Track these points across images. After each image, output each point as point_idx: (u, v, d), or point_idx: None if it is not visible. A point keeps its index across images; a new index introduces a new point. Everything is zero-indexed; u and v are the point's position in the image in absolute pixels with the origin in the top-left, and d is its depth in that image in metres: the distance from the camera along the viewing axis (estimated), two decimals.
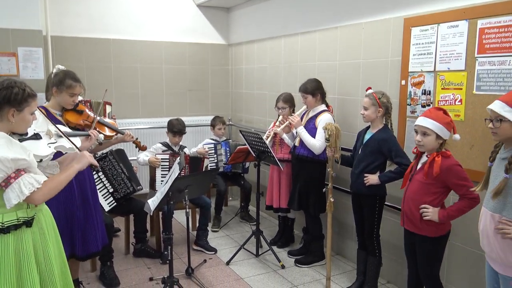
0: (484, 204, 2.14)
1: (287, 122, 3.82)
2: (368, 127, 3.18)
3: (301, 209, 3.80)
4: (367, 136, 3.12)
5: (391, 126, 3.10)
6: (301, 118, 3.76)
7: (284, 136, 3.91)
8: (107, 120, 3.25)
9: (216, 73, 5.80)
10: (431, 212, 2.48)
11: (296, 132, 3.72)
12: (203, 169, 4.25)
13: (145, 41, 5.24)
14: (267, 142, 3.72)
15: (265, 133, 4.09)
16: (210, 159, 4.69)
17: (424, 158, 2.58)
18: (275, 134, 3.96)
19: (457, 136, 2.50)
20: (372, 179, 3.01)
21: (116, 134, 3.21)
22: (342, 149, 3.59)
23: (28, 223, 2.01)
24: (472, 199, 2.41)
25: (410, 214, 2.59)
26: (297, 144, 3.74)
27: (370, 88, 3.16)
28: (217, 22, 5.73)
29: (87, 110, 3.02)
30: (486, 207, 2.11)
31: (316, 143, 3.52)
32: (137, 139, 3.44)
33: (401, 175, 2.91)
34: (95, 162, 2.28)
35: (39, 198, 1.95)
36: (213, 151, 4.70)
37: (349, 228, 3.84)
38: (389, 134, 3.03)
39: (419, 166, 2.59)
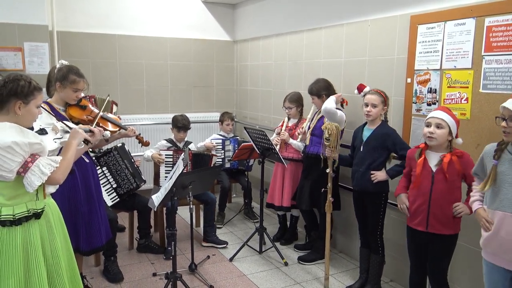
0: (505, 209, 2.07)
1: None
2: (363, 125, 3.18)
3: (312, 208, 3.78)
4: (367, 133, 3.12)
5: (387, 122, 3.13)
6: (312, 118, 3.77)
7: (291, 141, 3.91)
8: (110, 115, 3.26)
9: (221, 69, 5.80)
10: (462, 207, 2.50)
11: (308, 128, 3.71)
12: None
13: (150, 37, 5.25)
14: (277, 148, 3.71)
15: (269, 130, 4.08)
16: (217, 154, 4.69)
17: (434, 159, 2.55)
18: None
19: (459, 140, 2.54)
20: (380, 175, 3.01)
21: (119, 130, 3.22)
22: (345, 145, 3.58)
23: (38, 215, 2.04)
24: None
25: (441, 214, 2.55)
26: (307, 143, 3.72)
27: (363, 85, 3.18)
28: (222, 19, 5.72)
29: (90, 106, 3.02)
30: (510, 211, 2.05)
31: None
32: (139, 134, 3.44)
33: None
34: (88, 137, 2.34)
35: (59, 177, 2.02)
36: (220, 147, 4.71)
37: (353, 226, 3.83)
38: (390, 129, 3.06)
39: (434, 168, 2.55)
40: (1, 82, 1.98)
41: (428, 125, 2.54)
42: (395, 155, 3.08)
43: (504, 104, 2.05)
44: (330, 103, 3.36)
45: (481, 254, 2.31)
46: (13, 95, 1.96)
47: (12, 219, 1.94)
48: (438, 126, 2.49)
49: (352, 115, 3.70)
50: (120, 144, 3.83)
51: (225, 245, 4.08)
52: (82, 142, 2.35)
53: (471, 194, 2.40)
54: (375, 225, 3.13)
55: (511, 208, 2.06)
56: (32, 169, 1.91)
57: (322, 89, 3.61)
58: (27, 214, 1.99)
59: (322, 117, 3.63)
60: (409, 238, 2.78)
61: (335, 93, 3.64)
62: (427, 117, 2.58)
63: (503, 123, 2.05)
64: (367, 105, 3.06)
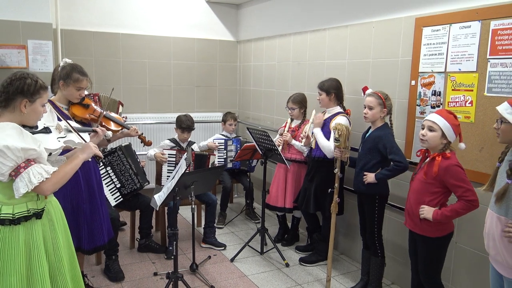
0: (490, 207, 2.13)
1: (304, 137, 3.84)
2: (370, 127, 3.18)
3: (318, 211, 3.77)
4: (367, 135, 3.15)
5: (391, 126, 3.12)
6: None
7: (294, 142, 3.90)
8: (113, 114, 3.25)
9: (224, 69, 5.80)
10: (426, 211, 2.50)
11: (312, 133, 3.68)
12: (209, 166, 4.24)
13: (154, 36, 5.25)
14: (279, 149, 3.70)
15: (272, 130, 4.06)
16: (219, 154, 4.69)
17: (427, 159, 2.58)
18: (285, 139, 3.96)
19: (462, 145, 2.52)
20: (370, 177, 3.02)
21: (121, 129, 3.22)
22: (354, 149, 3.57)
23: (38, 214, 2.04)
24: (469, 202, 2.39)
25: (412, 213, 2.62)
26: (313, 146, 3.70)
27: (367, 88, 3.19)
28: (226, 19, 5.72)
29: (93, 104, 3.02)
30: (492, 209, 2.11)
31: (331, 145, 3.39)
32: (142, 134, 3.44)
33: (395, 173, 2.94)
34: (100, 153, 2.29)
35: (47, 188, 1.98)
36: (223, 147, 4.71)
37: (355, 228, 3.82)
38: (385, 132, 3.03)
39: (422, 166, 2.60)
40: (8, 80, 1.97)
41: (422, 127, 2.56)
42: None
43: (497, 106, 2.10)
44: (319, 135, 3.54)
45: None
46: (19, 93, 1.96)
47: (11, 218, 1.94)
48: (430, 129, 2.50)
49: (355, 118, 3.70)
50: (126, 144, 3.83)
51: (223, 248, 4.07)
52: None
53: None
54: (371, 227, 3.13)
55: (492, 206, 2.11)
56: (22, 175, 1.88)
57: (333, 87, 3.59)
58: (26, 214, 1.98)
59: (326, 121, 3.62)
60: (408, 238, 2.79)
61: (343, 96, 3.64)
62: (423, 119, 2.60)
63: (495, 125, 2.11)
64: (365, 107, 3.07)
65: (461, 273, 2.97)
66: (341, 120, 3.46)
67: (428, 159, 2.54)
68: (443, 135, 2.47)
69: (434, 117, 2.49)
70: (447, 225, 2.56)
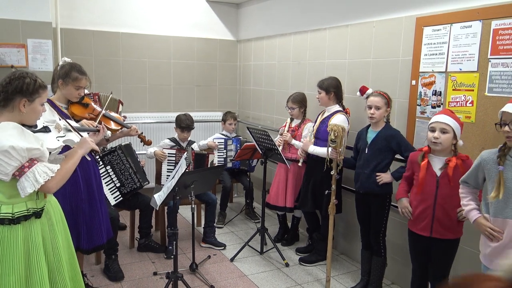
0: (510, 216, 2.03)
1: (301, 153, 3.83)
2: (367, 127, 3.17)
3: (315, 209, 3.77)
4: (371, 135, 3.11)
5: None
6: (315, 122, 3.74)
7: (294, 142, 3.90)
8: (112, 114, 3.24)
9: (224, 69, 5.79)
10: (465, 213, 2.44)
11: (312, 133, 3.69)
12: (208, 165, 4.24)
13: (154, 35, 5.24)
14: (279, 149, 3.70)
15: (272, 130, 4.05)
16: (219, 154, 4.69)
17: (438, 163, 2.54)
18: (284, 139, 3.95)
19: (461, 142, 2.54)
20: (385, 177, 3.02)
21: (121, 128, 3.21)
22: (348, 147, 3.56)
23: (38, 214, 2.04)
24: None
25: (446, 219, 2.54)
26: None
27: (366, 87, 3.19)
28: (226, 18, 5.71)
29: (92, 104, 3.02)
30: None
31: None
32: (142, 133, 3.43)
33: None
34: (96, 147, 2.30)
35: (52, 186, 1.99)
36: (222, 146, 4.70)
37: (355, 228, 3.81)
38: (395, 130, 3.06)
39: (438, 172, 2.54)
40: (7, 79, 1.97)
41: (433, 130, 2.51)
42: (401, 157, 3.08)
43: (504, 109, 2.04)
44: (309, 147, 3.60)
45: (483, 263, 2.27)
46: (18, 93, 1.95)
47: (11, 217, 1.94)
48: (443, 131, 2.47)
49: (355, 117, 3.69)
50: (126, 143, 3.83)
51: (223, 247, 4.07)
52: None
53: (463, 203, 2.33)
54: (379, 227, 3.12)
55: None
56: (27, 174, 1.88)
57: (332, 86, 3.58)
58: (26, 213, 1.98)
59: (325, 119, 3.62)
60: (411, 243, 2.76)
61: (342, 95, 3.63)
62: (431, 121, 2.56)
63: (506, 128, 2.01)
64: (370, 108, 3.05)
65: (461, 273, 2.96)
66: (338, 119, 3.45)
67: (445, 164, 2.50)
68: (454, 135, 2.47)
69: (445, 119, 2.47)
70: (462, 226, 2.58)
